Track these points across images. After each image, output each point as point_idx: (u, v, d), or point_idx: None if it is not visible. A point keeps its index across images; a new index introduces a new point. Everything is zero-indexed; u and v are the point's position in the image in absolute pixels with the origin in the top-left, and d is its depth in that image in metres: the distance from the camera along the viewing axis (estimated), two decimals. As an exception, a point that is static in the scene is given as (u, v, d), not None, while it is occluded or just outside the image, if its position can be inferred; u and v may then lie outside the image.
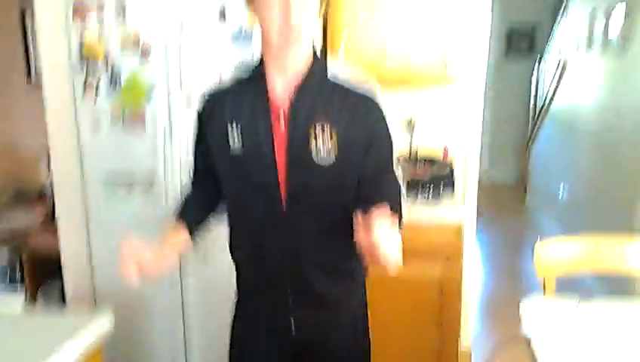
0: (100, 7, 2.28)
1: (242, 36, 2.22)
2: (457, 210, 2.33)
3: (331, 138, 1.22)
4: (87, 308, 2.53)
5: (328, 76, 1.27)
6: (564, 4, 4.90)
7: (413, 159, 2.63)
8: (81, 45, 2.33)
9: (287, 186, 1.25)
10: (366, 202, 1.19)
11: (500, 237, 4.89)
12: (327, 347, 1.38)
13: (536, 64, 5.82)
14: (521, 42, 6.26)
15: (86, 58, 2.33)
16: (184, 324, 2.48)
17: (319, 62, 1.28)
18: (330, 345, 1.38)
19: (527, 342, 1.43)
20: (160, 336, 2.51)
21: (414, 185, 2.45)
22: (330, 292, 1.34)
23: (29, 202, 3.36)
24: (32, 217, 3.20)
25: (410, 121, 2.70)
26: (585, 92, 4.15)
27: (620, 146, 3.36)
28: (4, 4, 3.38)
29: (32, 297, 2.98)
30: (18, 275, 3.00)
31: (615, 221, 3.29)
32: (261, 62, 1.28)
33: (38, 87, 2.60)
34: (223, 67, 2.24)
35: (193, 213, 1.40)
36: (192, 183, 1.46)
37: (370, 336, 1.46)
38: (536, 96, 5.85)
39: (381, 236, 1.03)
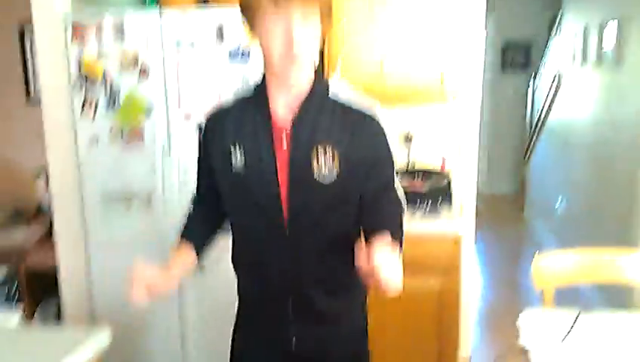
0: (99, 27, 2.31)
1: (240, 54, 2.25)
2: (455, 222, 2.34)
3: (333, 157, 1.23)
4: (84, 324, 2.52)
5: (329, 95, 1.28)
6: (558, 20, 4.97)
7: (410, 172, 2.65)
8: (80, 64, 2.35)
9: (289, 205, 1.26)
10: (367, 223, 1.19)
11: (498, 248, 4.89)
12: (327, 360, 1.38)
13: (532, 79, 5.88)
14: (517, 57, 6.34)
15: (85, 77, 2.35)
16: (182, 338, 2.48)
17: (321, 82, 1.29)
18: (331, 357, 1.38)
19: (526, 354, 1.43)
20: (158, 351, 2.50)
21: (412, 198, 2.45)
22: (330, 307, 1.35)
23: (27, 219, 3.36)
24: (30, 234, 3.20)
25: (408, 135, 2.72)
26: (580, 106, 4.18)
27: (615, 159, 3.38)
28: (3, 22, 3.42)
29: (30, 314, 2.97)
30: (16, 292, 2.99)
31: (611, 233, 3.30)
32: (263, 80, 1.29)
33: (37, 105, 2.62)
34: (221, 85, 2.26)
35: (198, 232, 1.41)
36: (196, 202, 1.46)
37: (370, 348, 1.46)
38: (532, 109, 5.90)
39: (381, 261, 1.05)
